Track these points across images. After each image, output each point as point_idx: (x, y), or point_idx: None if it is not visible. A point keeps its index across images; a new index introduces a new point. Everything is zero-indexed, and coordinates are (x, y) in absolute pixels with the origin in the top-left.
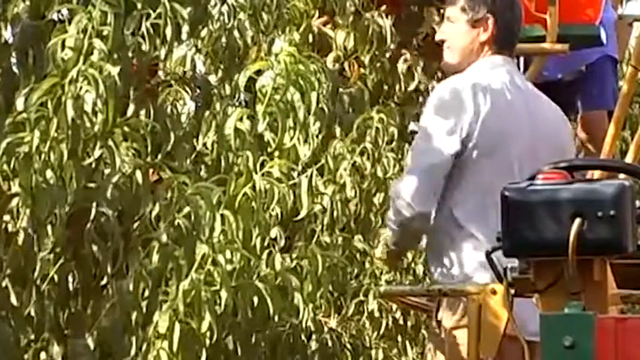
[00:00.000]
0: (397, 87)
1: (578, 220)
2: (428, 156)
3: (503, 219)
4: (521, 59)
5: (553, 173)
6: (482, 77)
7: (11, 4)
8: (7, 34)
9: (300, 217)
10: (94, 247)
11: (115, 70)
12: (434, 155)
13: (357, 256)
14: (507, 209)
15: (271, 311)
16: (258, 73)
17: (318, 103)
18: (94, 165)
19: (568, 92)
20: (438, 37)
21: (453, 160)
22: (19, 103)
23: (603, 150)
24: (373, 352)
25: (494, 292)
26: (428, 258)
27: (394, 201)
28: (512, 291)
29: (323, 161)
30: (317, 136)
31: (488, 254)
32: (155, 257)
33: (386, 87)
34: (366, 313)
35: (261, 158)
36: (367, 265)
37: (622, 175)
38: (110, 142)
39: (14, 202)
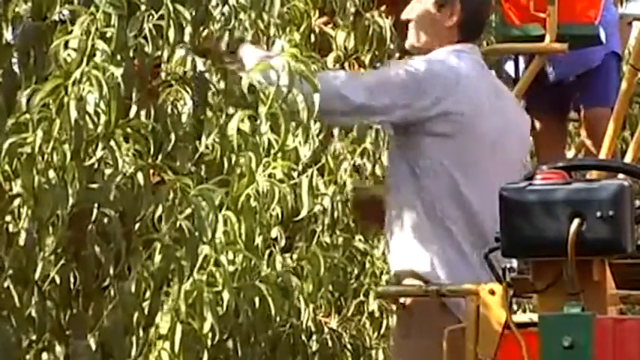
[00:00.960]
0: None
1: (577, 220)
2: (397, 95)
3: (502, 219)
4: (521, 59)
5: (551, 173)
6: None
7: (12, 4)
8: (9, 35)
9: (300, 217)
10: (96, 248)
11: (118, 72)
12: (400, 101)
13: (358, 256)
14: (506, 209)
15: (272, 312)
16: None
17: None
18: (95, 166)
19: (572, 91)
20: (403, 16)
21: (404, 120)
22: (22, 104)
23: (602, 149)
24: (373, 352)
25: (492, 293)
26: (395, 250)
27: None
28: (511, 291)
29: (323, 161)
30: (317, 136)
31: (486, 254)
32: (157, 258)
33: None
34: (366, 314)
35: (264, 160)
36: (368, 265)
37: (621, 175)
38: (112, 143)
39: (16, 202)
